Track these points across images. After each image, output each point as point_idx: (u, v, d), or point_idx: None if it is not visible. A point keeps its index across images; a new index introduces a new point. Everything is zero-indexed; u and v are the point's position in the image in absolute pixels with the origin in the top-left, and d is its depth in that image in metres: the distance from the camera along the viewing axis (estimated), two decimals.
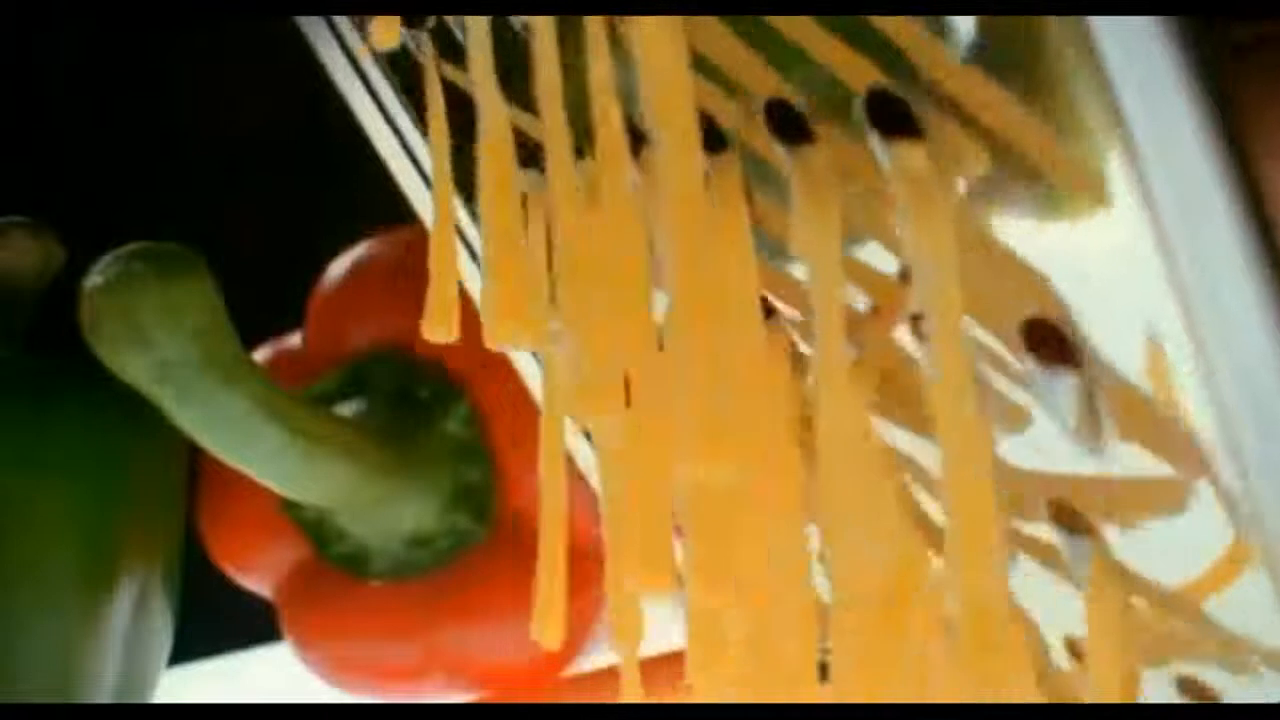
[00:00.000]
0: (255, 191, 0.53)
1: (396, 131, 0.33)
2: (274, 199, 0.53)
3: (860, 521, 0.22)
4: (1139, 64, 0.17)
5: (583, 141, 0.26)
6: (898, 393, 0.24)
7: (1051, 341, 0.21)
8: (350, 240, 0.43)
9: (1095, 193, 0.19)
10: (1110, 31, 0.17)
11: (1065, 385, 0.21)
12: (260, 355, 0.43)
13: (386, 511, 0.41)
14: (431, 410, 0.41)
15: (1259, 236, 0.17)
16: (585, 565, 0.42)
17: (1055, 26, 0.18)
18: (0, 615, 0.40)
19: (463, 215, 0.31)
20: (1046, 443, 0.22)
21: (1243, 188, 0.17)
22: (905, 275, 0.23)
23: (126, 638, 0.42)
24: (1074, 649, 0.24)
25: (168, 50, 0.53)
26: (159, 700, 0.44)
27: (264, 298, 0.40)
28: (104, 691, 0.42)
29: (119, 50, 0.53)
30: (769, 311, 0.26)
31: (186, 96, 0.53)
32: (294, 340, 0.44)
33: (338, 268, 0.43)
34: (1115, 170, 0.18)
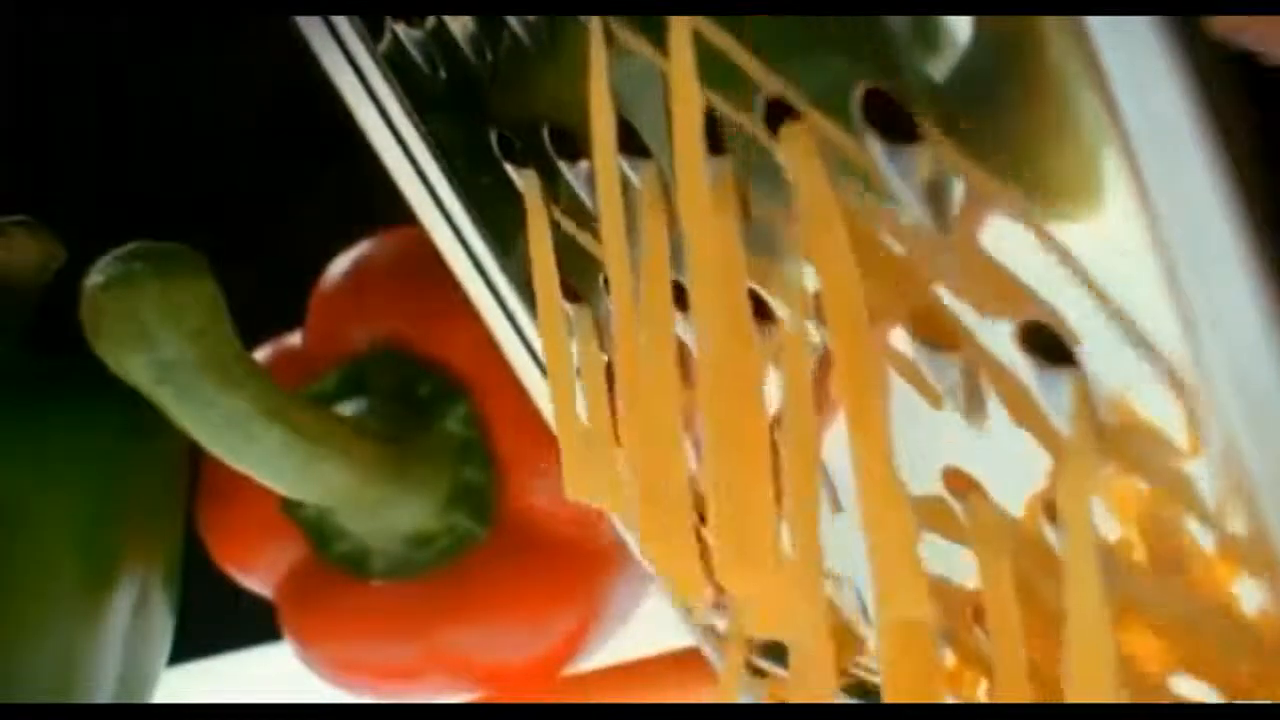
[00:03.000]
0: (256, 190, 0.53)
1: (394, 130, 0.33)
2: (274, 197, 0.53)
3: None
4: (1136, 64, 0.17)
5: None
6: None
7: (1049, 344, 0.21)
8: (350, 240, 0.43)
9: (1091, 195, 0.19)
10: (1107, 32, 0.17)
11: (1064, 386, 0.21)
12: (260, 355, 0.43)
13: (386, 511, 0.41)
14: (431, 410, 0.41)
15: (1256, 236, 0.17)
16: (582, 561, 0.42)
17: (1050, 27, 0.18)
18: (0, 615, 0.40)
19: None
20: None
21: (1239, 186, 0.17)
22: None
23: (126, 638, 0.42)
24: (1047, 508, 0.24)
25: (169, 49, 0.53)
26: (159, 700, 0.44)
27: (264, 298, 0.40)
28: (104, 691, 0.42)
29: (119, 50, 0.53)
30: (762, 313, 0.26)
31: (187, 95, 0.53)
32: (294, 340, 0.44)
33: (338, 268, 0.43)
34: (1111, 172, 0.18)
